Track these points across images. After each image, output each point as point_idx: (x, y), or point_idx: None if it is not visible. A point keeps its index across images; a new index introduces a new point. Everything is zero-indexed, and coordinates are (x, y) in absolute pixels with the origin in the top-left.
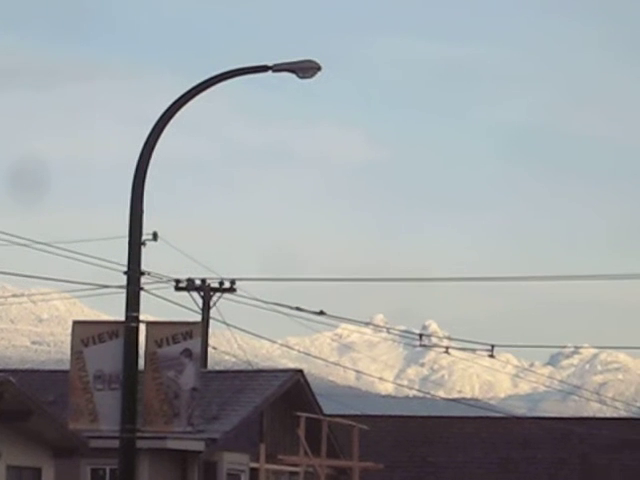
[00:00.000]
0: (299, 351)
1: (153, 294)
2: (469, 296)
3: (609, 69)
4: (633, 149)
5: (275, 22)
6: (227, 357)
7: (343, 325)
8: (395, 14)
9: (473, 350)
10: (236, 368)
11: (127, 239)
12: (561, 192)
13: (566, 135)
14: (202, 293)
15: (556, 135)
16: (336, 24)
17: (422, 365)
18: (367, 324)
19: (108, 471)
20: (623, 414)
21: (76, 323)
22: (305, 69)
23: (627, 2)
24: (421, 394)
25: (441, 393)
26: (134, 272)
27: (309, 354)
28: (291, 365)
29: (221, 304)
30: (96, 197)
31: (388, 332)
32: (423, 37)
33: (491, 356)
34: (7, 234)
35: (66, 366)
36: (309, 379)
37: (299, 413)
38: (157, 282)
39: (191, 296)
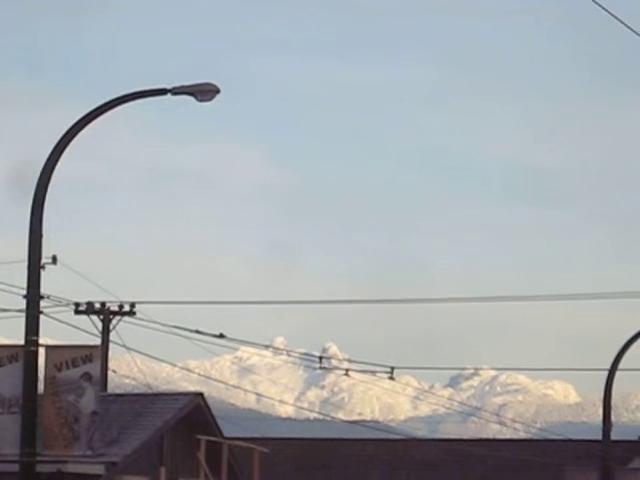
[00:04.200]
0: (199, 374)
1: (53, 318)
2: (368, 319)
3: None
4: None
5: (178, 43)
6: (127, 380)
7: (243, 348)
8: (295, 34)
9: (373, 372)
10: (136, 391)
11: (26, 262)
12: (465, 217)
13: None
14: (102, 316)
15: (457, 152)
16: (236, 45)
17: (322, 388)
18: (267, 347)
19: None
20: (523, 435)
21: None
22: (204, 92)
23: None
24: (321, 416)
25: (341, 415)
26: (33, 296)
27: (209, 377)
28: (191, 388)
29: (121, 327)
30: None
31: (288, 355)
32: (335, 59)
33: (391, 378)
34: None
35: None
36: (209, 402)
37: (199, 436)
38: (57, 306)
39: (91, 320)
